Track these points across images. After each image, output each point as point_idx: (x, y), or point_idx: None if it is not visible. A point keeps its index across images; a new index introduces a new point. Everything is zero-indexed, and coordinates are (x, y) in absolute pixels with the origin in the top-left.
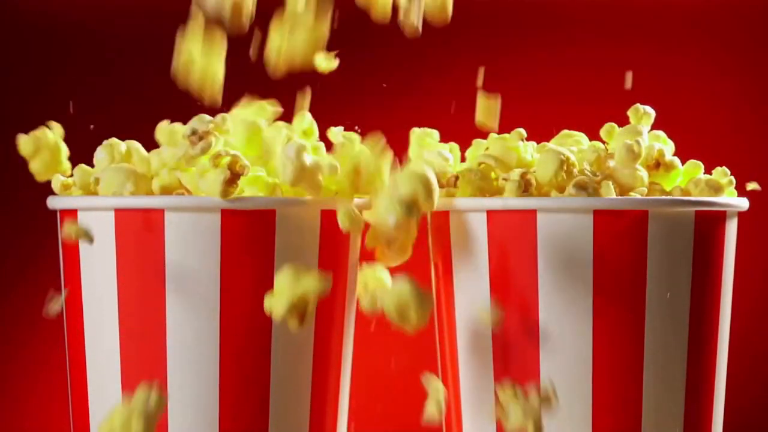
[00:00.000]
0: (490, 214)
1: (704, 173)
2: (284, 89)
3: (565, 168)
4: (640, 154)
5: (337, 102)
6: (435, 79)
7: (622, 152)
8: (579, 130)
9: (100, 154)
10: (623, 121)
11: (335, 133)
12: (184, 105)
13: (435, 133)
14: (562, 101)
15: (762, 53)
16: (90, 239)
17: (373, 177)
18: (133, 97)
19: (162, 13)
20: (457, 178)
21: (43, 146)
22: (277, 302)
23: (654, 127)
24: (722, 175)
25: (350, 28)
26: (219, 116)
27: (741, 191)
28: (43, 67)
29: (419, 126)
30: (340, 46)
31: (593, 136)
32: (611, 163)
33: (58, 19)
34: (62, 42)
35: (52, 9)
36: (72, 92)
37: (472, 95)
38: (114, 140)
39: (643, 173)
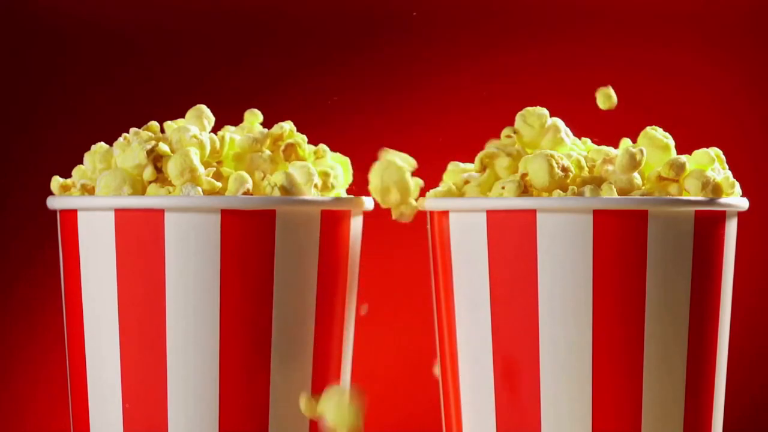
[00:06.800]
0: (490, 214)
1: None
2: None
3: (557, 166)
4: (640, 163)
5: (333, 107)
6: (432, 80)
7: (624, 159)
8: (578, 130)
9: (85, 162)
10: (622, 120)
11: None
12: (186, 105)
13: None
14: (561, 101)
15: (762, 53)
16: None
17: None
18: (134, 97)
19: (163, 14)
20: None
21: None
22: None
23: (653, 124)
24: (723, 175)
25: (350, 31)
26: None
27: (741, 191)
28: (43, 68)
29: (415, 130)
30: (339, 50)
31: (591, 134)
32: (610, 168)
33: (58, 19)
34: (63, 42)
35: (51, 9)
36: (73, 92)
37: (470, 96)
38: (99, 146)
39: (639, 180)
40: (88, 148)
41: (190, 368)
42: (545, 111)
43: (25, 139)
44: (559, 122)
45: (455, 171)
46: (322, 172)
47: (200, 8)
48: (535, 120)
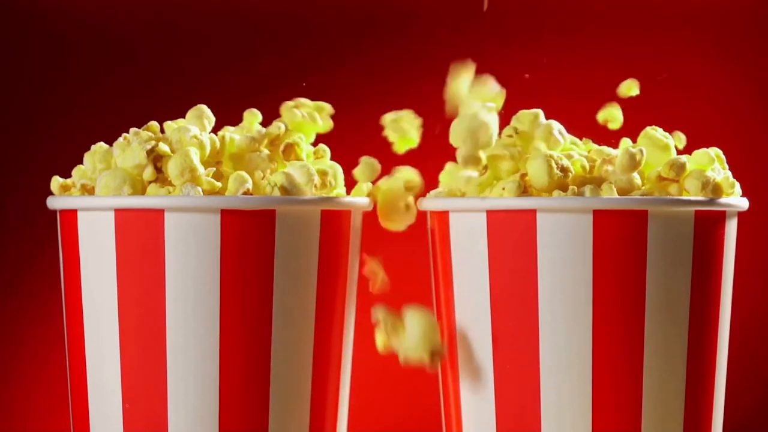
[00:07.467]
0: (490, 214)
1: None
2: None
3: (556, 166)
4: (640, 163)
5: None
6: (433, 80)
7: (624, 159)
8: (578, 130)
9: (85, 162)
10: (622, 120)
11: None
12: (186, 105)
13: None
14: (561, 101)
15: (762, 53)
16: None
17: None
18: (134, 97)
19: (163, 14)
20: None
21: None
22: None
23: (653, 124)
24: (723, 175)
25: (350, 31)
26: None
27: (741, 191)
28: (43, 68)
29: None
30: (339, 50)
31: (590, 135)
32: (610, 168)
33: (58, 19)
34: (63, 42)
35: (51, 9)
36: (73, 92)
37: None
38: (99, 146)
39: (639, 180)
40: (88, 148)
41: (190, 368)
42: (538, 111)
43: (25, 139)
44: (554, 123)
45: (452, 172)
46: (320, 171)
47: (200, 8)
48: (525, 118)
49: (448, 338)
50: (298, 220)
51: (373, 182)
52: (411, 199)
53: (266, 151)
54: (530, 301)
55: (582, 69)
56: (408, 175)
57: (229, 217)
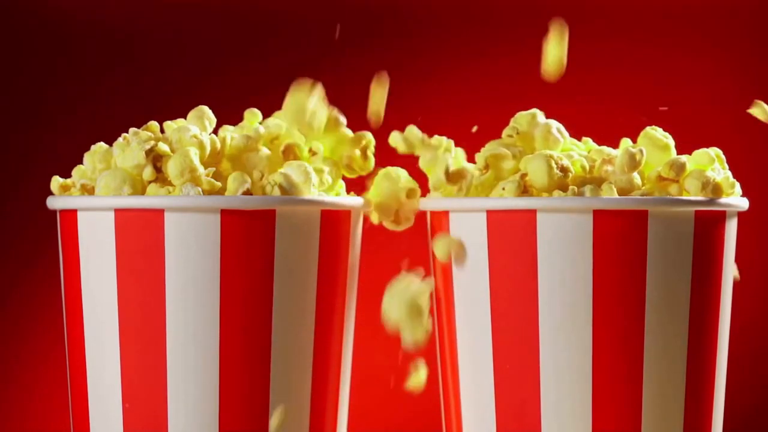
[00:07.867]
0: (490, 214)
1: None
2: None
3: (556, 166)
4: (640, 163)
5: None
6: (432, 81)
7: (624, 159)
8: (578, 130)
9: (85, 162)
10: (622, 120)
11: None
12: (186, 105)
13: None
14: (562, 101)
15: (762, 53)
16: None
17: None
18: (134, 97)
19: (163, 13)
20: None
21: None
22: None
23: (653, 124)
24: (723, 175)
25: (349, 32)
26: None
27: (741, 191)
28: (43, 68)
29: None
30: (339, 51)
31: (590, 135)
32: (610, 168)
33: (58, 19)
34: (63, 42)
35: (51, 9)
36: (73, 92)
37: (471, 97)
38: (99, 146)
39: (639, 180)
40: (88, 148)
41: (190, 368)
42: (535, 111)
43: (25, 139)
44: (552, 123)
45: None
46: (317, 169)
47: (200, 8)
48: (523, 119)
49: (448, 338)
50: (298, 220)
51: (370, 176)
52: (411, 202)
53: (265, 151)
54: (530, 301)
55: (582, 69)
56: (407, 181)
57: (229, 217)
